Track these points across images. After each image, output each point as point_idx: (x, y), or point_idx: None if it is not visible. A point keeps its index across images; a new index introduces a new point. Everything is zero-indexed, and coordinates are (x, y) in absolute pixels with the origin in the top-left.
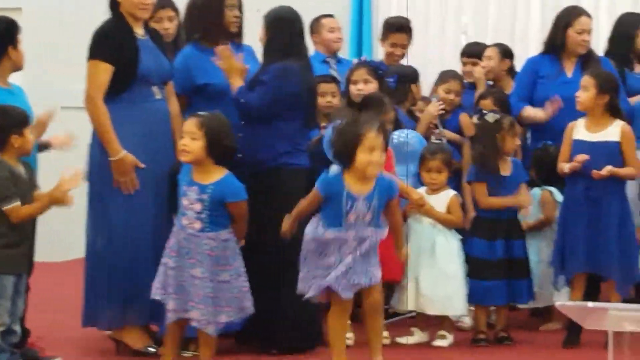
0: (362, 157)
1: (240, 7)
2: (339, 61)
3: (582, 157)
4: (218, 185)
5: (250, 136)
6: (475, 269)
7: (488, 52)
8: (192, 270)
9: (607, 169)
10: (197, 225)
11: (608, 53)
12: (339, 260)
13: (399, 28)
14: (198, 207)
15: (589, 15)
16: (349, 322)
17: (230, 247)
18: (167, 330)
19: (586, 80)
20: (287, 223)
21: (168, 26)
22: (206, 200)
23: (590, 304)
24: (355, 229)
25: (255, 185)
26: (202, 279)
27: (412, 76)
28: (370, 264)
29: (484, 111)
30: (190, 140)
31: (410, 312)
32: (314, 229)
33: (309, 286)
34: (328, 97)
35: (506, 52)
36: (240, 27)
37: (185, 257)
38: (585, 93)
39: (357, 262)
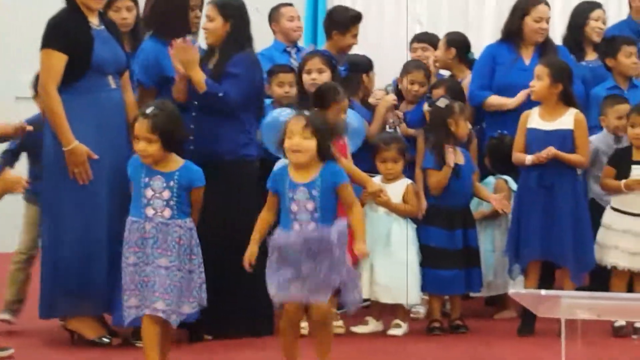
0: (285, 143)
1: (201, 8)
2: (299, 50)
3: (548, 150)
4: (183, 171)
5: (208, 128)
6: (433, 258)
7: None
8: (159, 260)
9: (550, 150)
10: (167, 212)
11: (565, 41)
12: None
13: (359, 18)
14: (166, 194)
15: (547, 4)
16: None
17: (194, 236)
18: (143, 330)
19: (540, 69)
20: (250, 251)
21: (126, 16)
22: (174, 187)
23: (543, 292)
24: (300, 225)
25: (214, 177)
26: (169, 268)
27: (363, 66)
28: (320, 277)
29: (432, 98)
30: (146, 144)
31: (365, 301)
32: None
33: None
34: (286, 87)
35: (450, 41)
36: (198, 28)
37: (152, 247)
38: (539, 82)
39: (306, 272)
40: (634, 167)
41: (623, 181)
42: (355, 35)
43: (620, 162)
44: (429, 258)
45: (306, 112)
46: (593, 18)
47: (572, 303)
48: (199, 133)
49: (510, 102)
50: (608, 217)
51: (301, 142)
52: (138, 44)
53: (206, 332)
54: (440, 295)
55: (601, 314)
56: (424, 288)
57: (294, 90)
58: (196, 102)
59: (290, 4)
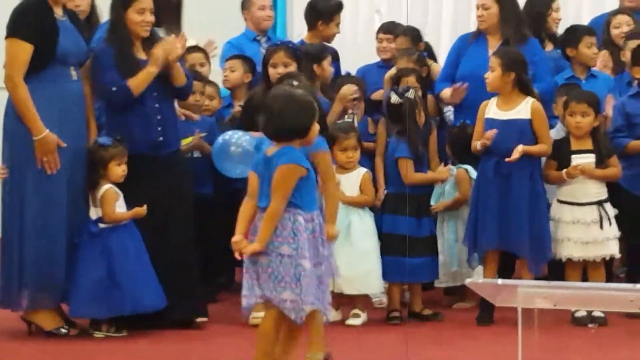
0: None
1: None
2: (269, 40)
3: (490, 133)
4: None
5: (172, 119)
6: (402, 246)
7: (400, 43)
8: None
9: (519, 149)
10: None
11: None
12: None
13: (342, 7)
14: None
15: None
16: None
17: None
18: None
19: (492, 60)
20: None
21: (79, 3)
22: None
23: (500, 281)
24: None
25: (178, 166)
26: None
27: (314, 55)
28: (271, 278)
29: (399, 88)
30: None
31: None
32: None
33: None
34: (227, 72)
35: (415, 38)
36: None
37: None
38: (492, 73)
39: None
40: (574, 156)
41: (564, 170)
42: (338, 24)
43: (560, 153)
44: (397, 246)
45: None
46: (554, 9)
47: (529, 292)
48: (165, 124)
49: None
50: (556, 210)
51: None
52: (93, 31)
53: (150, 323)
54: (412, 283)
55: (557, 303)
56: (391, 277)
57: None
58: (155, 94)
59: None
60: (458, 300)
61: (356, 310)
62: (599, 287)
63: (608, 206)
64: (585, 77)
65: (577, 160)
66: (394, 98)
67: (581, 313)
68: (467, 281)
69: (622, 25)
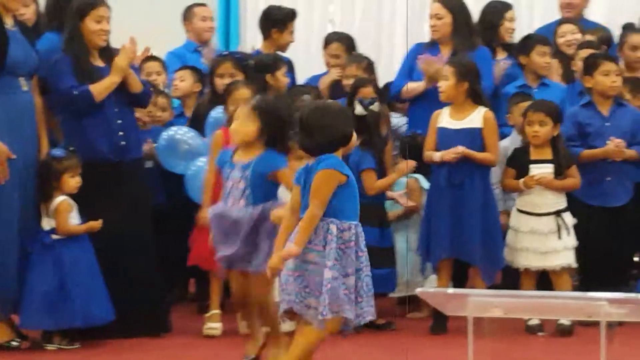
0: None
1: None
2: (206, 47)
3: (458, 150)
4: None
5: (133, 125)
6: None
7: (333, 50)
8: None
9: (458, 150)
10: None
11: None
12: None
13: (295, 15)
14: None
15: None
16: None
17: None
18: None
19: (446, 69)
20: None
21: (24, 12)
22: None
23: (450, 290)
24: (232, 203)
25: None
26: None
27: (267, 65)
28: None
29: (364, 100)
30: None
31: None
32: None
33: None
34: (176, 81)
35: (349, 47)
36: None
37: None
38: (446, 82)
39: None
40: (532, 166)
41: (521, 180)
42: (292, 32)
43: (519, 162)
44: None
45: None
46: (507, 18)
47: (479, 301)
48: (126, 129)
49: (420, 84)
50: (515, 219)
51: (239, 125)
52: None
53: (108, 334)
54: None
55: (508, 311)
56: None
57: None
58: (114, 99)
59: (204, 4)
60: (412, 309)
61: None
62: (548, 295)
63: (567, 216)
64: (537, 85)
65: (535, 170)
66: (359, 109)
67: (534, 321)
68: (418, 290)
69: (566, 34)
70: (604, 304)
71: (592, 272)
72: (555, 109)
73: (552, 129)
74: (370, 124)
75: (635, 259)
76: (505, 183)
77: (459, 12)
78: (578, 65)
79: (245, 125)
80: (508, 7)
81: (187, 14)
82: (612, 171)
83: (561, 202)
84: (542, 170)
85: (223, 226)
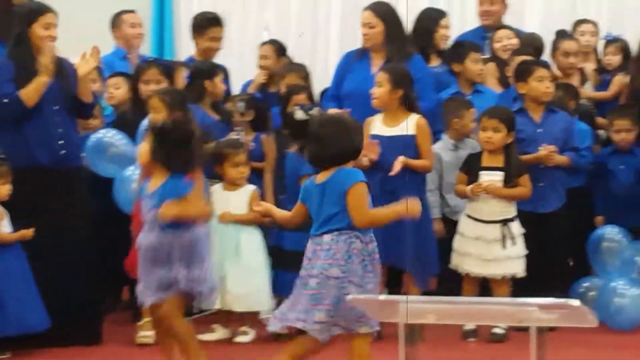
0: None
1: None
2: (140, 57)
3: (373, 146)
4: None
5: (68, 133)
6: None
7: (263, 51)
8: None
9: (400, 159)
10: None
11: None
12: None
13: (217, 21)
14: None
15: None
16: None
17: None
18: None
19: (380, 76)
20: None
21: None
22: None
23: (382, 296)
24: (148, 231)
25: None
26: None
27: (206, 72)
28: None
29: (305, 105)
30: None
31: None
32: None
33: None
34: (111, 89)
35: (279, 50)
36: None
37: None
38: (380, 89)
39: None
40: (482, 172)
41: (469, 187)
42: (214, 39)
43: (471, 168)
44: (298, 263)
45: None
46: (442, 25)
47: (410, 307)
48: (67, 137)
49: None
50: (462, 224)
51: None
52: None
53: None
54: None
55: (440, 317)
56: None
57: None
58: (57, 107)
59: (133, 11)
60: None
61: (244, 328)
62: (480, 301)
63: (514, 225)
64: (471, 92)
65: (484, 176)
66: (300, 114)
67: (469, 327)
68: (349, 297)
69: (502, 39)
70: (534, 309)
71: (525, 277)
72: (510, 116)
73: (505, 136)
74: (306, 131)
75: (570, 263)
76: (456, 189)
77: (391, 21)
78: (512, 71)
79: (143, 146)
80: (442, 14)
81: (116, 21)
82: (544, 177)
83: (509, 211)
84: (491, 178)
85: (143, 257)
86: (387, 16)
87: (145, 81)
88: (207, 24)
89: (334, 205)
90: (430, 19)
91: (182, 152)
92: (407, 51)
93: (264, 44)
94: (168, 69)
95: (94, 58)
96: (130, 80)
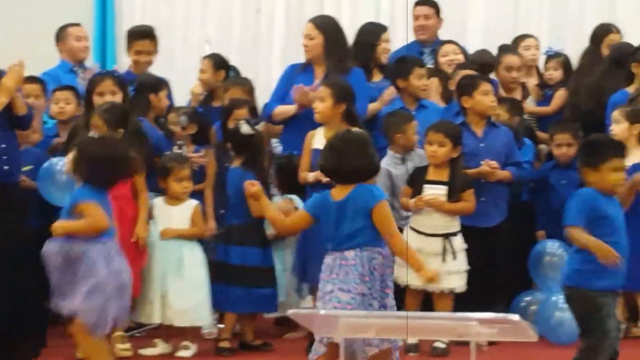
0: None
1: None
2: (86, 70)
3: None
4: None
5: (10, 148)
6: (250, 277)
7: (202, 65)
8: None
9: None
10: None
11: None
12: None
13: (142, 35)
14: None
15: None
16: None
17: None
18: None
19: (322, 90)
20: None
21: None
22: None
23: (322, 311)
24: None
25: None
26: None
27: (151, 85)
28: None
29: (251, 120)
30: None
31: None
32: None
33: None
34: (61, 104)
35: (220, 63)
36: None
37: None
38: (323, 103)
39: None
40: (426, 186)
41: (411, 200)
42: (140, 52)
43: (416, 181)
44: (245, 277)
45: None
46: (383, 40)
47: (350, 322)
48: (10, 153)
49: (291, 108)
50: (405, 236)
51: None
52: None
53: None
54: (233, 313)
55: (379, 332)
56: (237, 308)
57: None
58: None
59: (78, 24)
60: (289, 330)
61: (186, 342)
62: (419, 316)
63: (456, 240)
64: (415, 108)
65: (428, 190)
66: (246, 129)
67: (411, 341)
68: (290, 312)
69: (449, 53)
70: (474, 324)
71: (467, 291)
72: (456, 131)
73: (451, 151)
74: (256, 144)
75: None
76: (402, 201)
77: (331, 33)
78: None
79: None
80: (384, 28)
81: (61, 35)
82: (486, 192)
83: (452, 225)
84: (435, 191)
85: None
86: (328, 29)
87: (100, 92)
88: (132, 38)
89: (356, 222)
90: (372, 33)
91: (99, 167)
92: (346, 65)
93: (205, 57)
94: (122, 80)
95: (18, 71)
96: (77, 94)
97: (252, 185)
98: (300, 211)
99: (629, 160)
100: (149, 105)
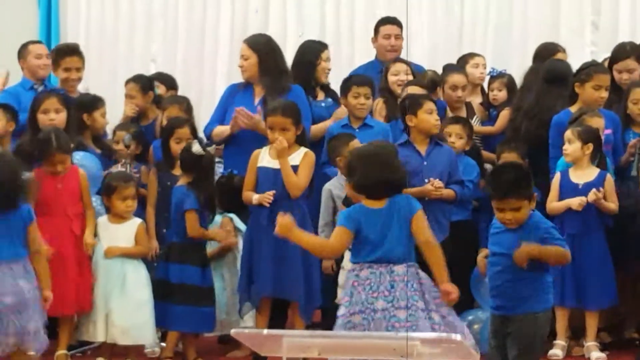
0: None
1: None
2: (46, 87)
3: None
4: None
5: None
6: (192, 296)
7: (128, 90)
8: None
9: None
10: None
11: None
12: None
13: (71, 52)
14: None
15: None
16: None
17: None
18: None
19: (282, 120)
20: None
21: None
22: None
23: (265, 331)
24: None
25: None
26: None
27: (85, 105)
28: None
29: (203, 140)
30: None
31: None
32: None
33: None
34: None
35: (145, 87)
36: None
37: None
38: (287, 134)
39: None
40: None
41: None
42: (67, 69)
43: (352, 201)
44: (185, 296)
45: None
46: (323, 59)
47: (294, 342)
48: None
49: (226, 129)
50: (346, 258)
51: None
52: None
53: None
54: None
55: (322, 352)
56: (178, 327)
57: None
58: None
59: (39, 42)
60: (232, 348)
61: None
62: (361, 335)
63: None
64: (359, 126)
65: None
66: (197, 148)
67: None
68: (233, 331)
69: (400, 73)
70: (416, 343)
71: None
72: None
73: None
74: (205, 165)
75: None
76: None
77: (265, 53)
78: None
79: None
80: (324, 46)
81: (22, 52)
82: (429, 210)
83: None
84: None
85: None
86: (261, 48)
87: (45, 110)
88: (61, 55)
89: (402, 231)
90: (312, 51)
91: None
92: (283, 83)
93: (129, 81)
94: (67, 98)
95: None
96: (8, 111)
97: (282, 217)
98: (338, 229)
99: (581, 179)
100: (83, 124)
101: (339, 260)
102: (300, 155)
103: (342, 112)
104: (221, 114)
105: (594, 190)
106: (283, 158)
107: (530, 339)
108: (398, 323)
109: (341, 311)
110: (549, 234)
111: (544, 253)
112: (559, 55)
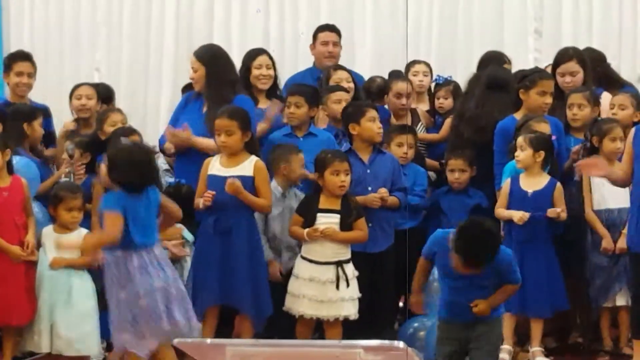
0: None
1: None
2: None
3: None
4: None
5: None
6: None
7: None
8: None
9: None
10: None
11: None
12: None
13: (23, 57)
14: None
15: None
16: None
17: None
18: None
19: (228, 123)
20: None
21: None
22: None
23: (208, 340)
24: None
25: None
26: None
27: (24, 115)
28: None
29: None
30: None
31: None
32: None
33: None
34: None
35: (99, 94)
36: None
37: None
38: (232, 137)
39: None
40: (319, 215)
41: (305, 231)
42: (20, 73)
43: (308, 209)
44: None
45: None
46: (255, 66)
47: (237, 351)
48: None
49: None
50: (297, 266)
51: None
52: None
53: None
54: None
55: None
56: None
57: None
58: None
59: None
60: (183, 357)
61: None
62: (305, 344)
63: (349, 267)
64: (304, 134)
65: (321, 219)
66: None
67: None
68: (176, 341)
69: (342, 81)
70: (359, 351)
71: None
72: (347, 161)
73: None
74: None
75: (400, 304)
76: (291, 230)
77: (211, 65)
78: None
79: None
80: (259, 52)
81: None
82: (373, 218)
83: (343, 252)
84: (328, 220)
85: None
86: (207, 59)
87: None
88: (13, 60)
89: None
90: (248, 57)
91: None
92: (224, 95)
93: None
94: (2, 111)
95: None
96: None
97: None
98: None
99: (531, 187)
100: (23, 134)
101: (289, 268)
102: (251, 164)
103: (273, 110)
104: (173, 124)
105: (554, 210)
106: (242, 194)
107: (498, 341)
108: None
109: None
110: (508, 272)
111: (501, 299)
112: (505, 67)
